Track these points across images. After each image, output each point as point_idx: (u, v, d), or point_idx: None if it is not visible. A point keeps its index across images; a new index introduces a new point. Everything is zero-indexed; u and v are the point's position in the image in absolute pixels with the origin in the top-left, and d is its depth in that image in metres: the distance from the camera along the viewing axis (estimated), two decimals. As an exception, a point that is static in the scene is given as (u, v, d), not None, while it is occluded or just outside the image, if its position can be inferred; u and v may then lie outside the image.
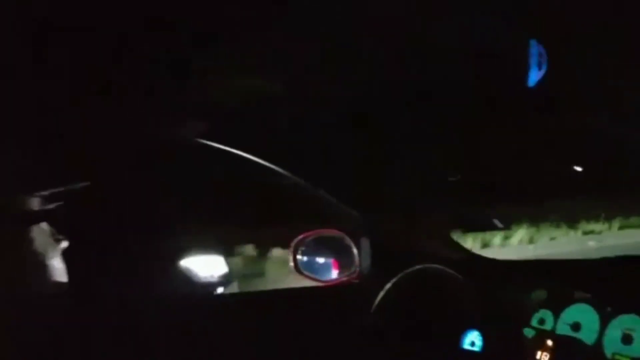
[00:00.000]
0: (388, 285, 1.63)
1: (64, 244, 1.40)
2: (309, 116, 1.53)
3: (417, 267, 1.62)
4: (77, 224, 1.42)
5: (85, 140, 1.35)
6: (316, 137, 1.60)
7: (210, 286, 1.71)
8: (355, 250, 1.68)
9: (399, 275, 1.63)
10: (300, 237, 1.70)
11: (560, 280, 1.53)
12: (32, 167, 1.29)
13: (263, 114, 1.48)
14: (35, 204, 1.33)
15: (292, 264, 1.68)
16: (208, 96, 1.40)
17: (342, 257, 1.69)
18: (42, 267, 1.36)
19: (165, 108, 1.41)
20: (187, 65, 1.25)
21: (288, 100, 1.45)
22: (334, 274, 1.69)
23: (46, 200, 1.30)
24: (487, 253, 1.79)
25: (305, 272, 1.67)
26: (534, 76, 1.38)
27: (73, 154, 1.35)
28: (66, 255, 1.37)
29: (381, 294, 1.62)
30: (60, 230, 1.35)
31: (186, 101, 1.41)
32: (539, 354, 1.40)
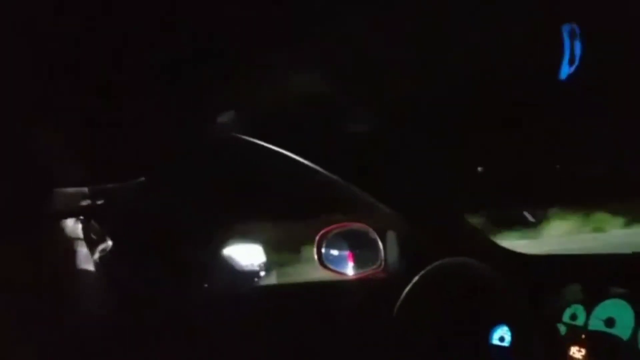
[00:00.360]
0: (415, 279, 1.59)
1: (111, 241, 1.40)
2: (340, 112, 1.53)
3: (445, 260, 1.58)
4: (126, 220, 1.44)
5: (134, 137, 1.35)
6: (345, 132, 1.59)
7: (251, 274, 1.74)
8: (380, 244, 1.65)
9: (426, 269, 1.59)
10: (324, 230, 1.68)
11: (594, 275, 1.47)
12: (84, 161, 1.29)
13: (298, 112, 1.48)
14: (83, 198, 1.33)
15: (316, 257, 1.66)
16: (246, 93, 1.40)
17: (368, 251, 1.66)
18: (88, 263, 1.36)
19: (208, 105, 1.41)
20: (229, 63, 1.25)
21: (323, 98, 1.45)
22: (359, 267, 1.66)
23: (93, 195, 1.31)
24: (520, 247, 1.74)
25: (330, 266, 1.64)
26: (566, 69, 1.35)
27: (123, 150, 1.36)
28: (115, 249, 1.38)
29: (408, 288, 1.59)
30: (107, 226, 1.37)
31: (227, 98, 1.41)
32: (572, 349, 1.35)
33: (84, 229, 1.27)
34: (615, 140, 1.57)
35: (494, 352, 1.54)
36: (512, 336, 1.52)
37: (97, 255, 1.33)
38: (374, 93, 1.46)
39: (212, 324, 1.50)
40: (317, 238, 1.67)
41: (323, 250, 1.67)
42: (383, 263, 1.65)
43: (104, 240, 1.35)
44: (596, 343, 1.34)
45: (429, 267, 1.62)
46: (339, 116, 1.54)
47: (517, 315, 1.50)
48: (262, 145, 1.53)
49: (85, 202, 1.28)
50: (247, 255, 1.82)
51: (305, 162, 1.57)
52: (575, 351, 1.36)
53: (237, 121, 1.47)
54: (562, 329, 1.43)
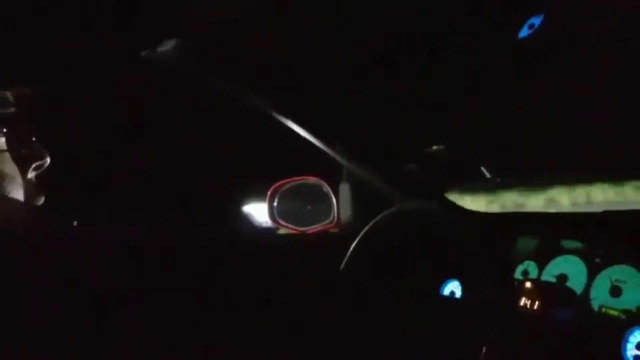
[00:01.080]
0: (365, 230, 1.56)
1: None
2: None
3: (391, 210, 1.55)
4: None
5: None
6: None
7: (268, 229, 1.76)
8: (333, 198, 1.61)
9: (374, 220, 1.56)
10: (275, 185, 1.63)
11: (546, 230, 1.47)
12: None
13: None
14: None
15: (267, 212, 1.61)
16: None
17: (321, 205, 1.62)
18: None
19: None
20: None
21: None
22: (311, 222, 1.61)
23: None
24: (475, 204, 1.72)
25: (281, 221, 1.59)
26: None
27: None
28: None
29: (357, 239, 1.56)
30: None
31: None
32: (523, 301, 1.35)
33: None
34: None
35: (444, 305, 1.53)
36: (463, 291, 1.51)
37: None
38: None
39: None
40: (268, 193, 1.62)
41: (275, 204, 1.61)
42: (336, 217, 1.61)
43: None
44: (548, 293, 1.33)
45: (376, 218, 1.60)
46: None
47: (467, 270, 1.49)
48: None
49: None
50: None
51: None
52: (528, 302, 1.35)
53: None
54: (516, 281, 1.43)
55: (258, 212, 1.82)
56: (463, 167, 1.77)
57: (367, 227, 1.54)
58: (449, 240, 1.54)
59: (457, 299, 1.51)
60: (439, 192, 1.69)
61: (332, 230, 1.63)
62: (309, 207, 1.61)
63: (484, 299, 1.41)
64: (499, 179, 1.63)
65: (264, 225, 1.80)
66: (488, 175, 1.79)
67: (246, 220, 1.79)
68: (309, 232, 1.61)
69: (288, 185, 1.63)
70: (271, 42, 1.44)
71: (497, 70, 1.53)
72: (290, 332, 1.47)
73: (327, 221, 1.61)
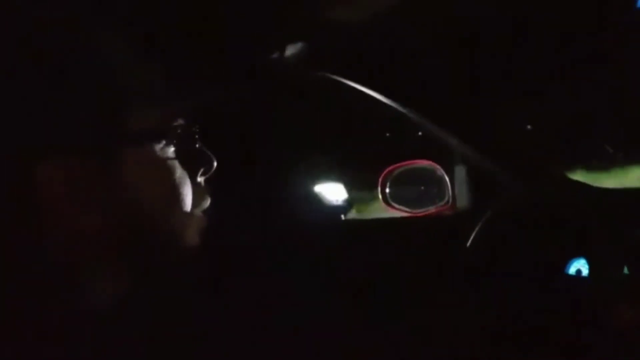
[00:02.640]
0: (487, 215, 1.53)
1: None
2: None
3: (517, 193, 1.51)
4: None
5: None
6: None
7: (338, 209, 1.80)
8: (448, 181, 1.60)
9: (498, 203, 1.53)
10: (389, 169, 1.64)
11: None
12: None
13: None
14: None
15: (380, 196, 1.63)
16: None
17: (434, 188, 1.61)
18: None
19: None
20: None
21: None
22: (425, 205, 1.61)
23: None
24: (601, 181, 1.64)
25: (394, 204, 1.61)
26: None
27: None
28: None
29: (479, 224, 1.53)
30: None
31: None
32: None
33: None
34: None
35: (570, 284, 1.47)
36: (590, 270, 1.44)
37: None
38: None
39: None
40: (380, 178, 1.64)
41: (387, 189, 1.63)
42: (450, 199, 1.60)
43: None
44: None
45: (500, 201, 1.56)
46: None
47: (593, 249, 1.42)
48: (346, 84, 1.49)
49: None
50: (332, 189, 1.85)
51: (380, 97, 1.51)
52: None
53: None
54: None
55: (331, 191, 1.84)
56: (585, 144, 1.69)
57: (492, 209, 1.52)
58: (573, 219, 1.48)
59: (584, 278, 1.45)
60: (558, 171, 1.63)
61: (446, 213, 1.61)
62: (422, 190, 1.61)
63: (613, 277, 1.34)
64: (622, 154, 1.54)
65: (336, 203, 1.82)
66: (611, 151, 1.70)
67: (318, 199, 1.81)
68: (422, 214, 1.61)
69: (400, 169, 1.65)
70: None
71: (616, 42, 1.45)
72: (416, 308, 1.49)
73: (442, 203, 1.60)
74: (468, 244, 1.53)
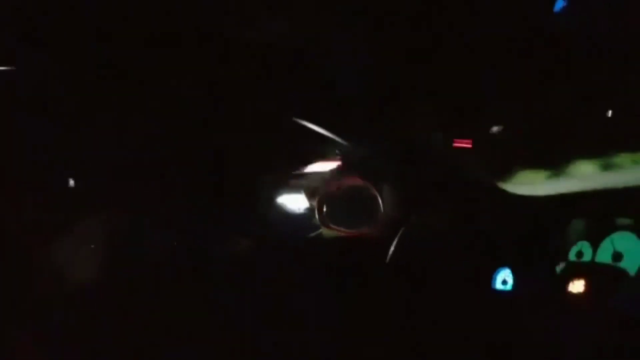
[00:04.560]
0: (407, 227, 1.59)
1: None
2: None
3: (442, 206, 1.57)
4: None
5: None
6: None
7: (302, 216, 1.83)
8: (380, 199, 1.64)
9: (418, 217, 1.59)
10: (325, 191, 1.67)
11: (599, 209, 1.46)
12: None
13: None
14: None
15: (318, 217, 1.65)
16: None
17: (368, 207, 1.65)
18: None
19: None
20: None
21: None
22: (360, 224, 1.65)
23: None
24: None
25: (332, 225, 1.63)
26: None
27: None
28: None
29: (399, 235, 1.59)
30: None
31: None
32: (572, 285, 1.34)
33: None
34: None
35: (498, 296, 1.54)
36: (514, 279, 1.51)
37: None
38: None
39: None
40: (317, 198, 1.66)
41: (324, 209, 1.66)
42: (382, 217, 1.64)
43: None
44: (601, 277, 1.33)
45: (422, 215, 1.62)
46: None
47: (517, 258, 1.49)
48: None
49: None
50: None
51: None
52: (579, 286, 1.35)
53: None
54: (569, 267, 1.42)
55: (292, 202, 1.85)
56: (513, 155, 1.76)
57: (413, 222, 1.57)
58: (498, 229, 1.55)
59: (508, 291, 1.51)
60: (487, 181, 1.70)
61: (379, 230, 1.65)
62: (357, 209, 1.65)
63: (534, 288, 1.41)
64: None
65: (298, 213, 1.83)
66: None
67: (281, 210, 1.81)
68: (359, 233, 1.65)
69: (336, 190, 1.67)
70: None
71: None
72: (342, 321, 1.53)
73: (374, 221, 1.65)
74: (389, 255, 1.60)
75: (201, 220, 1.57)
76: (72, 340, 1.32)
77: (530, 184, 1.58)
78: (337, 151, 1.68)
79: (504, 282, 1.53)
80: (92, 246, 1.40)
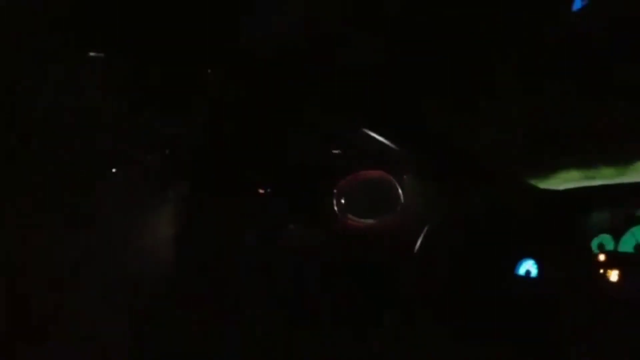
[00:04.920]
0: (435, 219, 1.58)
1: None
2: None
3: (465, 200, 1.56)
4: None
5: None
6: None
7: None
8: (400, 190, 1.63)
9: (447, 209, 1.57)
10: (344, 181, 1.67)
11: (621, 202, 1.43)
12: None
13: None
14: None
15: (335, 207, 1.66)
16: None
17: (386, 198, 1.64)
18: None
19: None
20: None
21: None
22: (379, 214, 1.64)
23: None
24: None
25: (349, 216, 1.63)
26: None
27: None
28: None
29: (427, 228, 1.57)
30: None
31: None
32: (602, 272, 1.32)
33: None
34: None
35: (520, 284, 1.52)
36: (538, 270, 1.49)
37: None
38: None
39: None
40: (335, 189, 1.66)
41: (342, 200, 1.65)
42: (401, 208, 1.63)
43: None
44: (627, 265, 1.30)
45: (449, 207, 1.61)
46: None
47: (541, 249, 1.47)
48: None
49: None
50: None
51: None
52: (608, 274, 1.32)
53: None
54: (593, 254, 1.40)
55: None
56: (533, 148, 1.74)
57: (437, 217, 1.56)
58: (521, 221, 1.53)
59: (532, 280, 1.49)
60: (508, 174, 1.68)
61: (397, 221, 1.64)
62: (375, 200, 1.64)
63: (561, 276, 1.39)
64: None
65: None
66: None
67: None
68: (376, 225, 1.64)
69: (354, 181, 1.67)
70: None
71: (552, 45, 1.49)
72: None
73: (393, 212, 1.64)
74: (416, 248, 1.59)
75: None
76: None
77: (554, 178, 1.55)
78: (355, 143, 1.67)
79: (527, 273, 1.51)
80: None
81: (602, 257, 1.38)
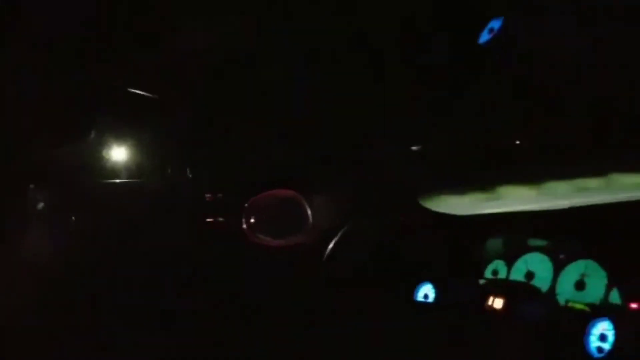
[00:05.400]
0: (337, 238, 1.62)
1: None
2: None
3: (369, 219, 1.61)
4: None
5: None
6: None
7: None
8: (309, 210, 1.65)
9: (348, 228, 1.62)
10: (253, 199, 1.66)
11: (513, 230, 1.52)
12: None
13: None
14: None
15: (245, 226, 1.65)
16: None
17: (297, 218, 1.65)
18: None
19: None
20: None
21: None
22: (288, 234, 1.65)
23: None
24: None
25: (259, 235, 1.63)
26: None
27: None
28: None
29: (330, 246, 1.61)
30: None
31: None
32: (491, 300, 1.39)
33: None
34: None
35: (419, 308, 1.57)
36: (435, 293, 1.55)
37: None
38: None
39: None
40: (244, 207, 1.65)
41: (252, 220, 1.65)
42: (310, 227, 1.65)
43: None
44: (515, 293, 1.38)
45: (350, 226, 1.65)
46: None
47: (438, 273, 1.54)
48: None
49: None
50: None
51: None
52: (495, 302, 1.39)
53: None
54: (485, 281, 1.48)
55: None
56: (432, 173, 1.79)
57: (338, 237, 1.60)
58: (419, 246, 1.60)
59: (430, 303, 1.54)
60: (407, 199, 1.74)
61: (306, 241, 1.66)
62: (285, 219, 1.65)
63: (454, 301, 1.46)
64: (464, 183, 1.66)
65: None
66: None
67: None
68: (285, 244, 1.65)
69: (264, 200, 1.67)
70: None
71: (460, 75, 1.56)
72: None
73: (303, 232, 1.65)
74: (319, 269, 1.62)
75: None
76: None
77: (452, 203, 1.62)
78: (266, 161, 1.67)
79: (426, 297, 1.57)
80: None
81: (490, 284, 1.46)
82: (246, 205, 1.66)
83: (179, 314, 1.58)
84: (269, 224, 1.66)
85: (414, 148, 1.60)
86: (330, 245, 1.65)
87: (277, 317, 1.59)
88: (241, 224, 1.64)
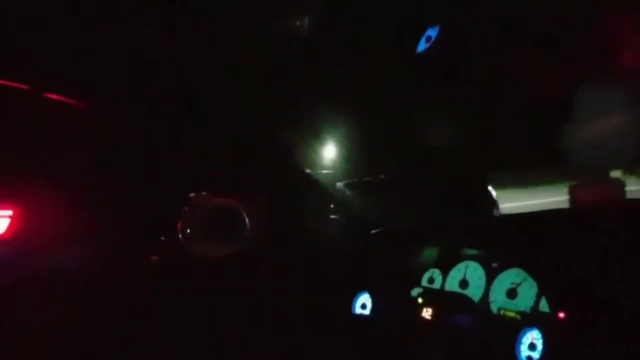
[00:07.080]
0: (275, 251, 1.61)
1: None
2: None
3: (304, 231, 1.61)
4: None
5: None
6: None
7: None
8: (247, 219, 1.63)
9: (287, 240, 1.61)
10: (188, 208, 1.62)
11: (448, 240, 1.55)
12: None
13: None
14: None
15: (180, 236, 1.61)
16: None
17: (235, 227, 1.63)
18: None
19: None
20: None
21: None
22: (226, 244, 1.62)
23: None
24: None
25: (194, 247, 1.59)
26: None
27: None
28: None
29: (267, 259, 1.60)
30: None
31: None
32: (424, 311, 1.41)
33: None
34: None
35: (357, 320, 1.58)
36: (373, 303, 1.56)
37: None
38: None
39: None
40: (180, 216, 1.61)
41: (188, 230, 1.61)
42: (250, 237, 1.63)
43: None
44: (448, 303, 1.41)
45: (289, 239, 1.65)
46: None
47: (375, 282, 1.55)
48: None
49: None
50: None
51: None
52: (428, 313, 1.41)
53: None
54: (420, 292, 1.49)
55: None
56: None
57: (275, 245, 1.58)
58: (356, 255, 1.60)
59: (367, 316, 1.55)
60: (347, 209, 1.75)
61: (243, 250, 1.64)
62: (221, 229, 1.62)
63: (391, 311, 1.47)
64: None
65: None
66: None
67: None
68: (222, 254, 1.62)
69: (200, 209, 1.63)
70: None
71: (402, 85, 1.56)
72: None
73: (241, 241, 1.63)
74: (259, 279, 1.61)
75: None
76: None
77: (390, 212, 1.64)
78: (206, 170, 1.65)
79: (363, 306, 1.57)
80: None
81: (422, 295, 1.48)
82: (182, 215, 1.62)
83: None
84: (205, 234, 1.62)
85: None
86: (267, 254, 1.64)
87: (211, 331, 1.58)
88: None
